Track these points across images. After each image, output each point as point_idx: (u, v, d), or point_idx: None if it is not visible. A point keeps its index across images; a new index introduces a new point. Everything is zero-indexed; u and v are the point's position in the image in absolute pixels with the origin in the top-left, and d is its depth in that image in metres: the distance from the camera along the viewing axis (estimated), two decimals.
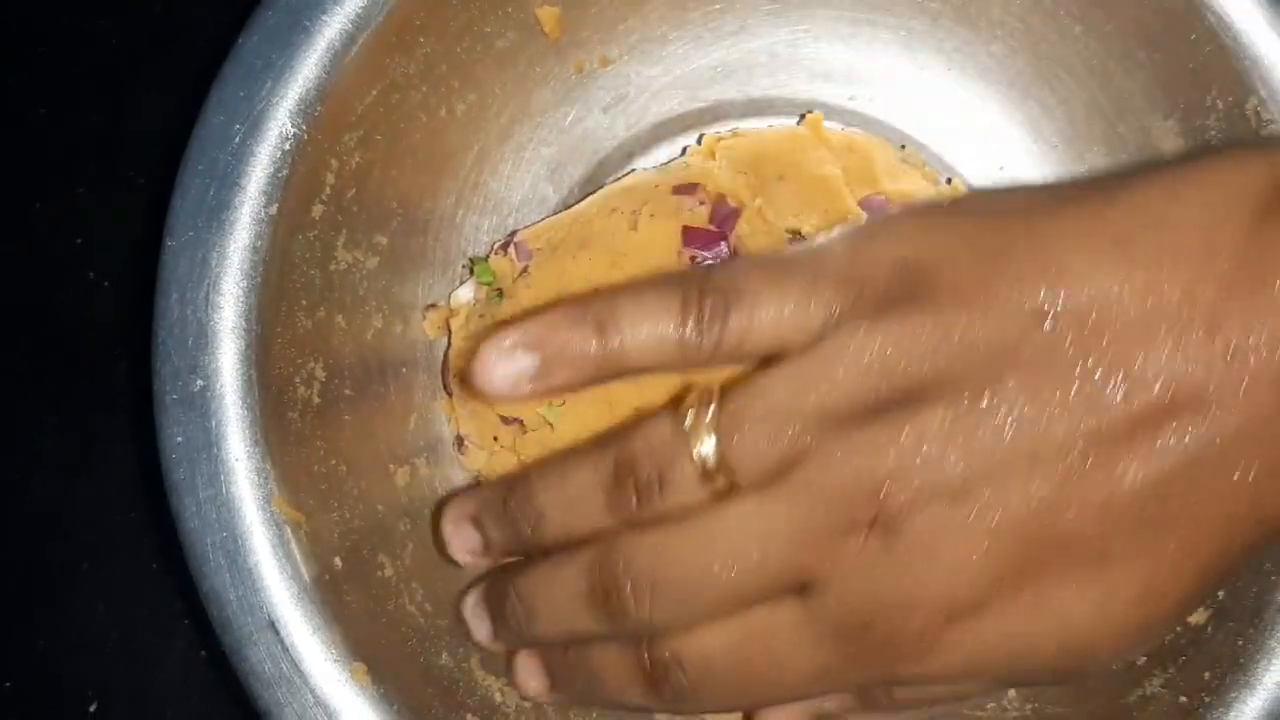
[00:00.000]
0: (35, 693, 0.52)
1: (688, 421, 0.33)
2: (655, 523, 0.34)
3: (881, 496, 0.30)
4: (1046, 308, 0.30)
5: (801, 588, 0.32)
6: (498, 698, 0.43)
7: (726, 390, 0.34)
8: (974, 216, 0.33)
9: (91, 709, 0.52)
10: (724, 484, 0.33)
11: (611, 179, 0.49)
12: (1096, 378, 0.30)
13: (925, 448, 0.30)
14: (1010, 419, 0.30)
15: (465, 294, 0.47)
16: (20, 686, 0.53)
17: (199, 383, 0.40)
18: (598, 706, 0.42)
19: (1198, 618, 0.40)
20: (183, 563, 0.39)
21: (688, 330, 0.34)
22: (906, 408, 0.31)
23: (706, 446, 0.33)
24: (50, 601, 0.53)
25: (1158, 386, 0.29)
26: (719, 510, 0.33)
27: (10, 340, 0.55)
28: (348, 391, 0.45)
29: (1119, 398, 0.29)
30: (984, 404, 0.30)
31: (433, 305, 0.48)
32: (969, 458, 0.30)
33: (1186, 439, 0.29)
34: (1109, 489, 0.30)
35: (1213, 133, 0.44)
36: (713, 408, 0.33)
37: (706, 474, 0.33)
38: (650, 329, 0.34)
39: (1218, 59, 0.43)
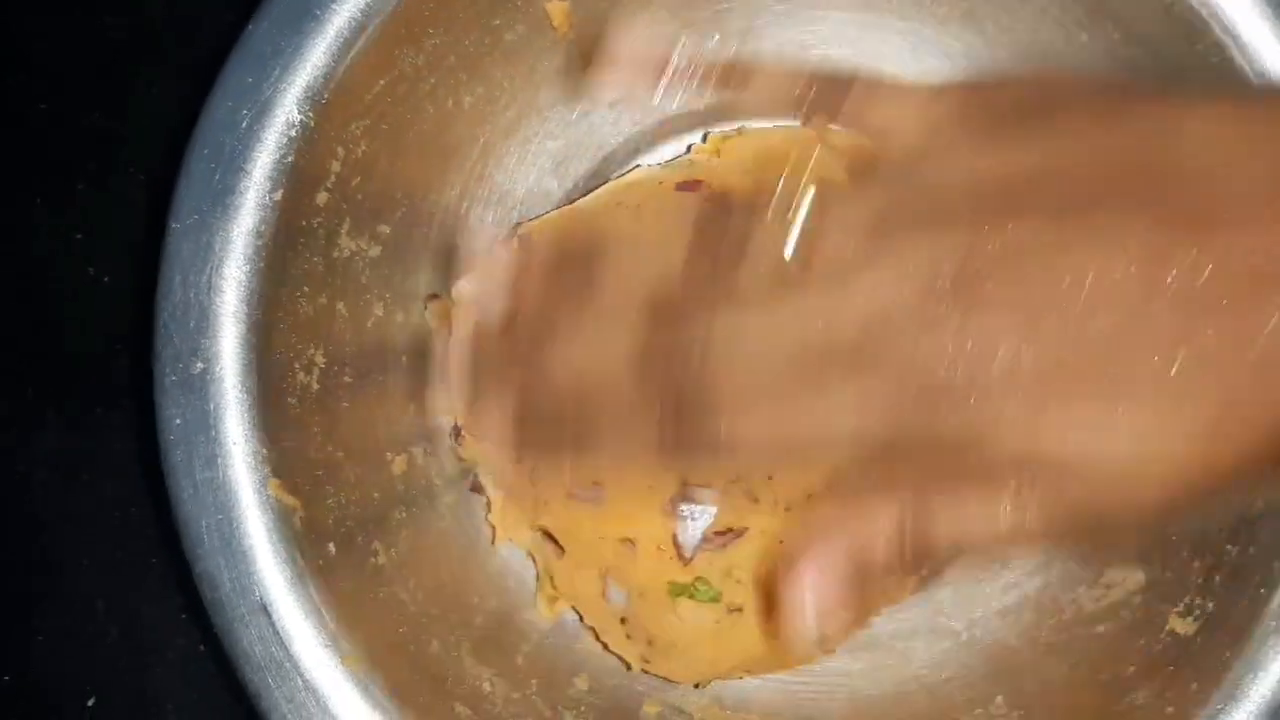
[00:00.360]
0: (34, 688, 0.53)
1: (774, 209, 0.34)
2: (732, 293, 0.34)
3: (949, 291, 0.31)
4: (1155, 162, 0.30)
5: (861, 365, 0.32)
6: (486, 688, 0.43)
7: (820, 188, 0.35)
8: (1096, 94, 0.33)
9: (90, 704, 0.53)
10: (802, 269, 0.34)
11: (616, 174, 0.50)
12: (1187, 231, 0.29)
13: (1005, 258, 0.30)
14: (1102, 256, 0.30)
15: (467, 285, 0.47)
16: (19, 682, 0.53)
17: (199, 365, 0.41)
18: (568, 453, 0.40)
19: (1187, 628, 0.41)
20: (182, 558, 0.40)
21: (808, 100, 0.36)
22: (991, 220, 0.31)
23: (789, 236, 0.34)
24: (49, 597, 0.53)
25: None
26: (795, 289, 0.33)
27: (10, 336, 0.55)
28: (347, 379, 0.45)
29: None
30: (1072, 229, 0.30)
31: (434, 296, 0.48)
32: (1044, 275, 0.30)
33: None
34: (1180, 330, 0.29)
35: None
36: (805, 199, 0.34)
37: (788, 258, 0.34)
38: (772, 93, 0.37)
39: (1225, 71, 0.43)
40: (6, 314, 0.56)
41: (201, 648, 0.52)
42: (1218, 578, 0.41)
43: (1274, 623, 0.38)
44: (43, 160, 0.56)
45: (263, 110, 0.42)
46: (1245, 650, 0.38)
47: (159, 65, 0.57)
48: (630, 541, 0.43)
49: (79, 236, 0.55)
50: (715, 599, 0.42)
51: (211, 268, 0.41)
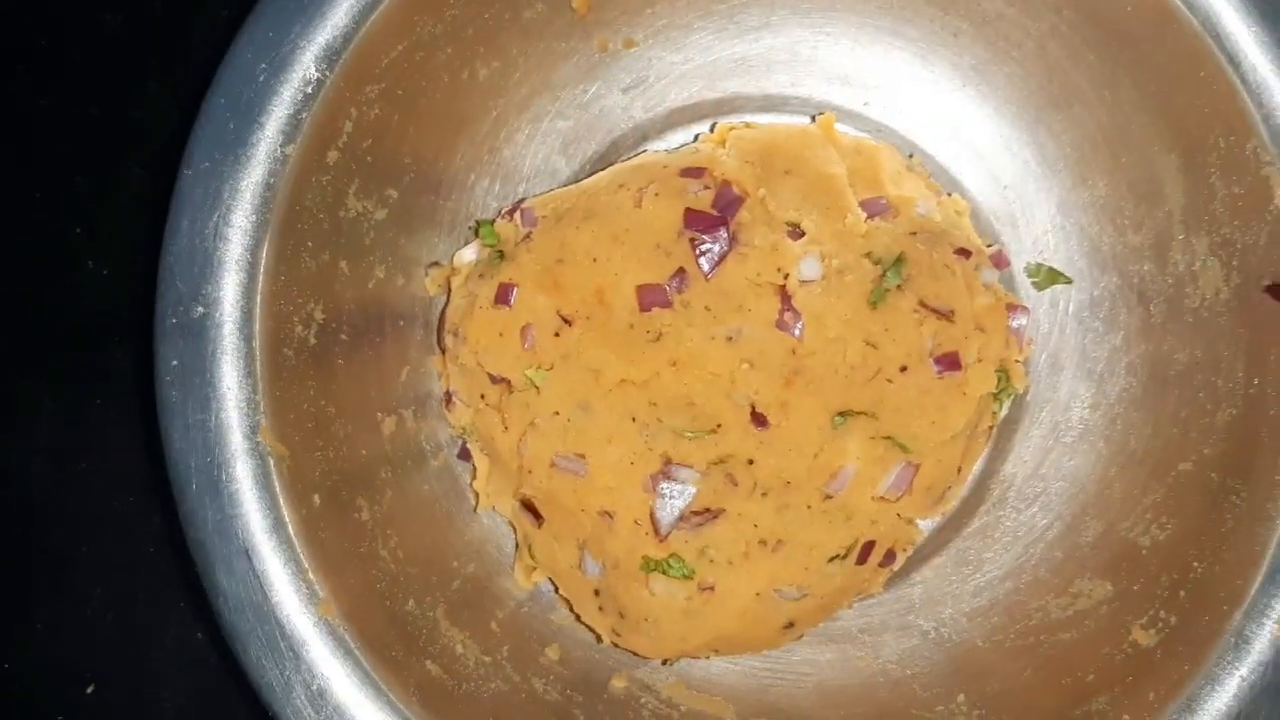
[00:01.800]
0: (34, 674, 0.53)
1: None
2: None
3: None
4: None
5: None
6: (459, 649, 0.43)
7: None
8: None
9: (89, 690, 0.53)
10: None
11: (624, 158, 0.50)
12: None
13: None
14: None
15: (468, 254, 0.48)
16: (19, 669, 0.53)
17: (199, 310, 0.41)
18: None
19: (1149, 640, 0.41)
20: (179, 546, 0.40)
21: None
22: None
23: None
24: (48, 585, 0.54)
25: None
26: None
27: (10, 327, 0.56)
28: (344, 337, 0.45)
29: None
30: None
31: (435, 263, 0.49)
32: None
33: None
34: None
35: (1213, 170, 0.45)
36: None
37: None
38: None
39: (1226, 98, 0.44)
40: (6, 302, 0.56)
41: (199, 635, 0.53)
42: (1183, 592, 0.41)
43: (1233, 639, 0.39)
44: (44, 152, 0.57)
45: (281, 65, 0.42)
46: (1204, 664, 0.39)
47: (158, 59, 0.57)
48: (609, 514, 0.43)
49: (78, 229, 0.56)
50: (688, 576, 0.42)
51: (219, 215, 0.42)
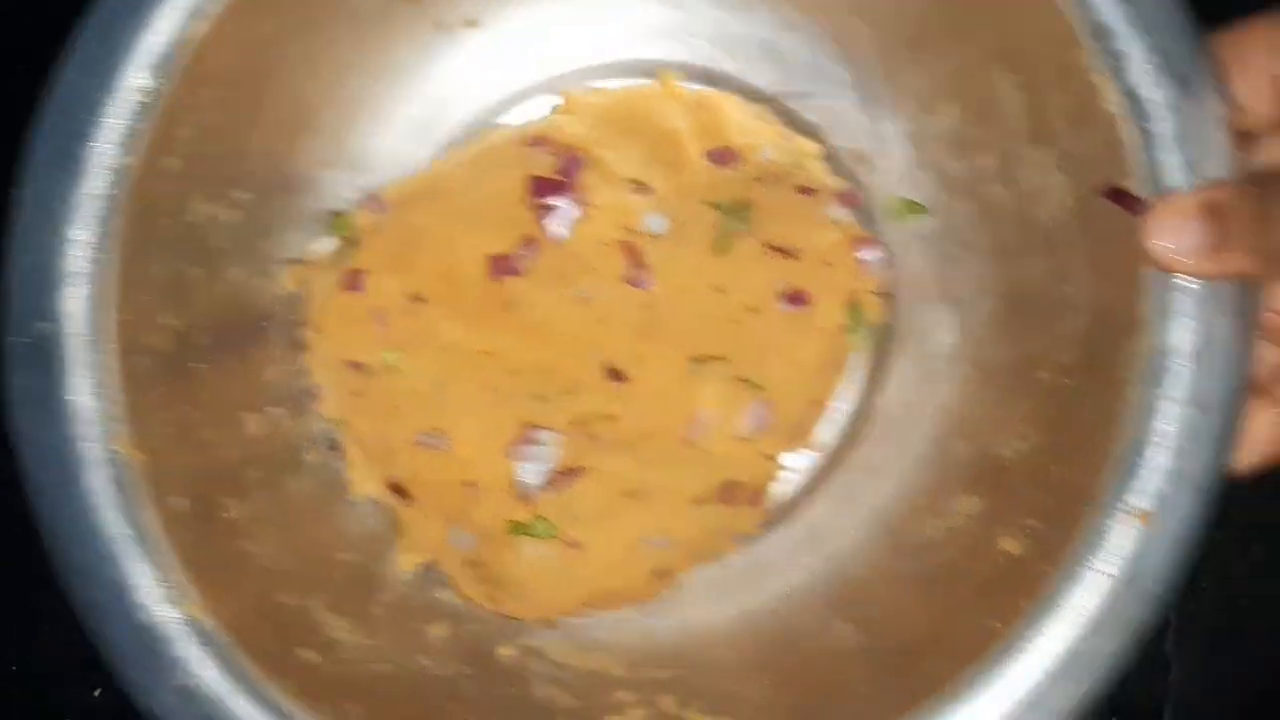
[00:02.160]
0: (38, 678, 0.53)
1: None
2: None
3: None
4: None
5: None
6: (341, 636, 0.43)
7: None
8: None
9: (96, 694, 0.53)
10: None
11: (476, 137, 0.50)
12: None
13: None
14: None
15: (324, 247, 0.48)
16: (24, 672, 0.53)
17: (46, 326, 0.41)
18: None
19: (1013, 547, 0.42)
20: None
21: None
22: None
23: None
24: (51, 587, 0.53)
25: None
26: None
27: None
28: (204, 341, 0.45)
29: None
30: None
31: (293, 260, 0.49)
32: None
33: None
34: None
35: (1047, 84, 0.45)
36: None
37: None
38: None
39: (1049, 13, 0.44)
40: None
41: None
42: (1044, 496, 0.42)
43: (1092, 536, 0.39)
44: None
45: (109, 75, 0.42)
46: (1064, 564, 0.39)
47: None
48: (474, 485, 0.43)
49: None
50: (553, 535, 0.43)
51: (59, 230, 0.42)
